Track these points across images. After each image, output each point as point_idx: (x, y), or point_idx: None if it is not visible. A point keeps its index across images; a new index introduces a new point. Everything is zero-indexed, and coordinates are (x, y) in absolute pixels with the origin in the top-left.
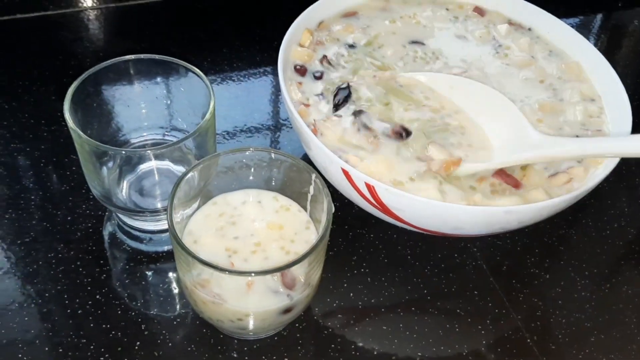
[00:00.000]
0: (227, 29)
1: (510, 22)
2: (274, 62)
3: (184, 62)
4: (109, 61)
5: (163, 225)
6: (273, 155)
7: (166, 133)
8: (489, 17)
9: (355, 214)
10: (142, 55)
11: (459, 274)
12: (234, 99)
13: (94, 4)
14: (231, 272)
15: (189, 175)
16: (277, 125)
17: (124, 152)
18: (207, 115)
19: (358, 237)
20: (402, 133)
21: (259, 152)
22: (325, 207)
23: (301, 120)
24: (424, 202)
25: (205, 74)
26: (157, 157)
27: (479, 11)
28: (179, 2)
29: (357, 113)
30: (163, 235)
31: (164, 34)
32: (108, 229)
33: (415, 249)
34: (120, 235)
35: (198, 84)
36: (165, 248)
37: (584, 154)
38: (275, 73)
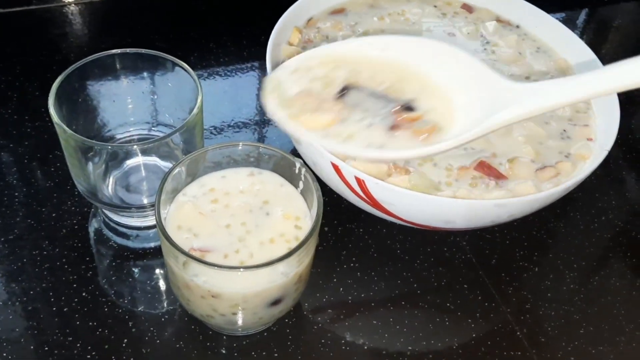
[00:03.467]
0: (214, 24)
1: (498, 19)
2: (261, 57)
3: (171, 57)
4: (94, 55)
5: (150, 221)
6: (262, 149)
7: (152, 128)
8: (478, 14)
9: (345, 209)
10: (128, 50)
11: (448, 268)
12: (222, 94)
13: None
14: (220, 267)
15: (176, 170)
16: (265, 120)
17: (110, 147)
18: (195, 110)
19: (347, 232)
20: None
21: (247, 146)
22: (315, 201)
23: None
24: (414, 196)
25: (192, 69)
26: (144, 152)
27: (467, 8)
28: None
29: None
30: (150, 231)
31: (150, 29)
32: (94, 225)
33: (405, 243)
34: (106, 231)
35: (185, 78)
36: (152, 244)
37: (580, 97)
38: (262, 68)
